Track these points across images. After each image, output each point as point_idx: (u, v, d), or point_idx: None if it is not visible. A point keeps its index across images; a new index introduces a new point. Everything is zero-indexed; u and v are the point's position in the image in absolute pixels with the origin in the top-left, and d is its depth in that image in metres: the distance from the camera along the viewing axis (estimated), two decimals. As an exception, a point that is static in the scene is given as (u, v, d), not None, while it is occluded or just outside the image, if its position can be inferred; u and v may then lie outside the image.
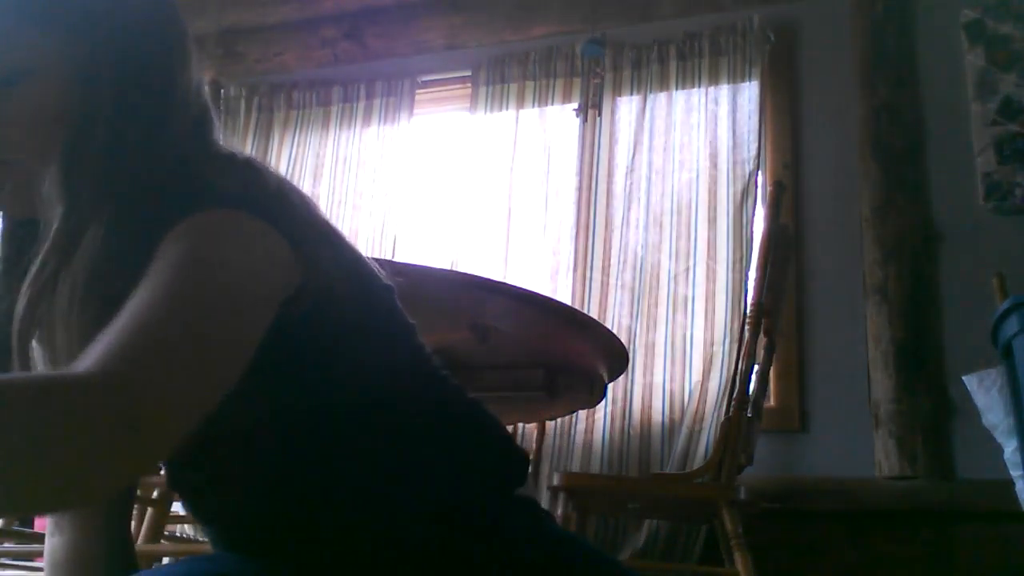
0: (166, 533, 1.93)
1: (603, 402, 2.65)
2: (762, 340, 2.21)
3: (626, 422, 2.84)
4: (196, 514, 0.89)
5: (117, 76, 0.76)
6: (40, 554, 2.48)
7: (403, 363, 0.84)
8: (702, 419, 2.75)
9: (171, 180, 0.75)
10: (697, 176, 3.04)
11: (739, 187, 2.96)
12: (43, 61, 0.75)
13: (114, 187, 0.74)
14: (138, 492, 0.96)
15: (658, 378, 2.87)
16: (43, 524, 2.89)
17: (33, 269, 0.73)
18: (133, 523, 2.57)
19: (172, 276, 0.65)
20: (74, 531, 0.90)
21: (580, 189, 3.15)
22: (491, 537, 0.80)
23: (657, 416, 2.83)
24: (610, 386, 2.38)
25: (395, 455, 0.79)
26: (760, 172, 3.01)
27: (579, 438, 2.86)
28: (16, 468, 0.51)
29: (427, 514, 0.79)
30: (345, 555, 0.78)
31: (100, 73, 0.75)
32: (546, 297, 1.73)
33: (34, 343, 0.77)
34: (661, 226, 3.02)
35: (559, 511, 2.18)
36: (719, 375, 2.78)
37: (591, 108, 3.08)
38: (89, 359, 0.57)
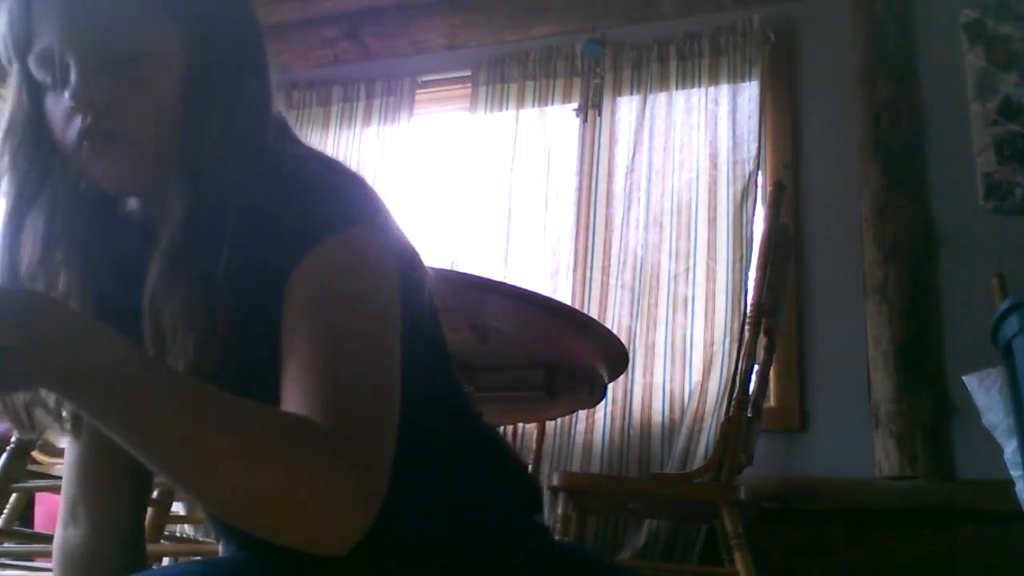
0: (166, 533, 1.93)
1: (603, 402, 2.65)
2: (762, 340, 2.21)
3: (626, 422, 2.84)
4: (221, 524, 0.90)
5: (227, 74, 0.80)
6: (40, 554, 2.47)
7: (441, 393, 0.88)
8: (702, 419, 2.75)
9: (280, 180, 0.78)
10: (697, 176, 3.04)
11: (739, 187, 2.96)
12: (167, 48, 0.78)
13: (231, 181, 0.77)
14: (153, 491, 0.96)
15: (658, 378, 2.87)
16: (42, 524, 2.89)
17: (160, 260, 0.76)
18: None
19: (362, 316, 0.73)
20: (89, 524, 0.91)
21: (580, 189, 3.15)
22: (522, 555, 0.85)
23: (657, 416, 2.83)
24: (610, 386, 2.38)
25: (431, 478, 0.82)
26: (760, 172, 3.01)
27: (579, 438, 2.86)
28: (274, 504, 0.62)
29: (460, 536, 0.82)
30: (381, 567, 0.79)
31: (213, 69, 0.79)
32: (546, 297, 1.73)
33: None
34: (661, 226, 3.02)
35: (559, 511, 2.18)
36: (719, 375, 2.78)
37: (591, 108, 3.08)
38: (316, 404, 0.67)
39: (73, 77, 0.75)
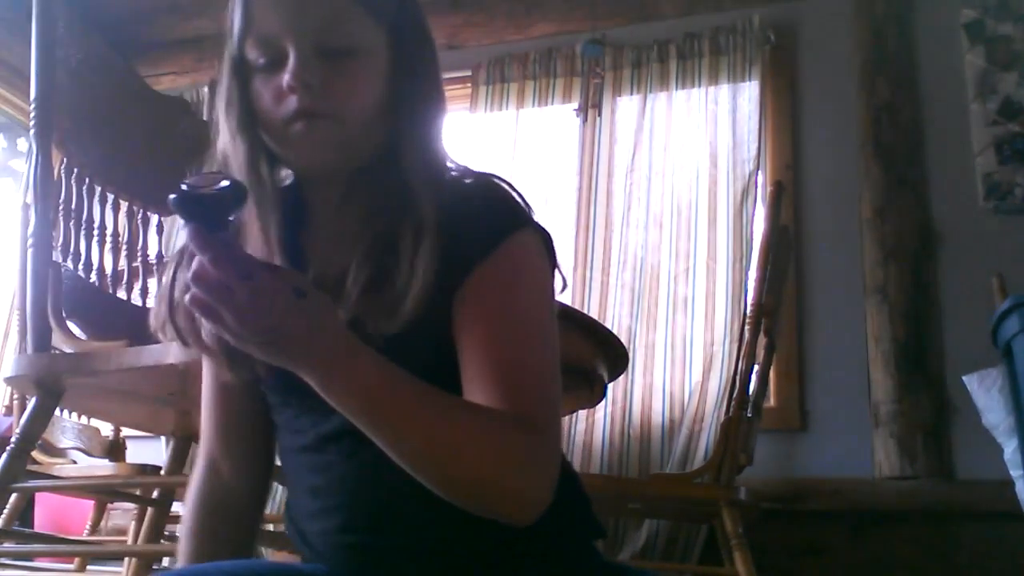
0: (166, 533, 1.93)
1: (603, 402, 2.64)
2: (762, 340, 2.21)
3: (626, 422, 2.84)
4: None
5: (422, 74, 0.91)
6: (40, 554, 2.47)
7: None
8: (702, 419, 2.75)
9: (457, 185, 0.90)
10: (697, 176, 3.04)
11: (739, 187, 2.96)
12: (375, 45, 0.88)
13: (432, 180, 0.87)
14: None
15: (658, 378, 2.87)
16: (42, 524, 2.89)
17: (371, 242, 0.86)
18: (133, 523, 2.57)
19: (538, 310, 0.88)
20: (233, 474, 1.01)
21: (580, 189, 3.15)
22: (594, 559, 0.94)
23: (657, 416, 2.83)
24: (610, 386, 2.37)
25: None
26: (760, 172, 3.00)
27: (579, 438, 2.86)
28: (486, 484, 0.78)
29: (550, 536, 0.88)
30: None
31: (411, 69, 0.90)
32: (546, 297, 1.72)
33: None
34: (661, 226, 3.02)
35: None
36: (719, 375, 2.78)
37: (591, 108, 3.08)
38: (500, 393, 0.80)
39: (292, 60, 0.84)
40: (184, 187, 0.69)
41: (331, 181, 0.92)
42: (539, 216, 0.91)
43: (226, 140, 0.90)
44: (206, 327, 0.74)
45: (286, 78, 0.84)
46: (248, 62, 0.88)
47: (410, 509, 0.86)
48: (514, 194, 0.90)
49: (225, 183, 0.70)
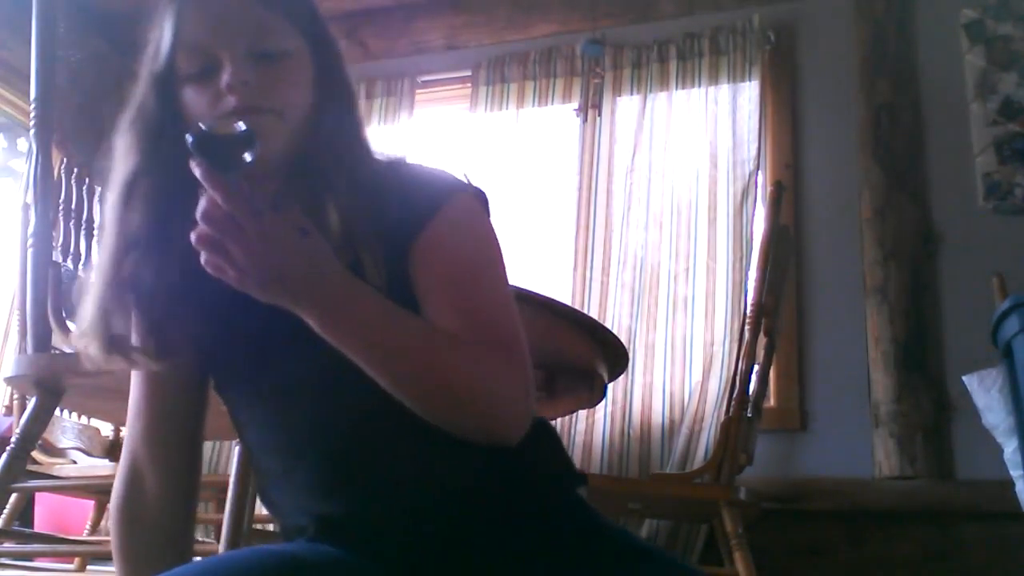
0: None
1: (603, 402, 2.64)
2: (762, 340, 2.21)
3: (626, 422, 2.84)
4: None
5: (339, 76, 0.99)
6: (40, 554, 2.47)
7: None
8: (702, 419, 2.75)
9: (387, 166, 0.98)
10: (697, 176, 3.04)
11: (739, 187, 2.96)
12: (299, 50, 0.96)
13: (359, 160, 0.96)
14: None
15: (658, 378, 2.87)
16: (42, 524, 2.89)
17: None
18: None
19: (486, 253, 0.95)
20: (157, 487, 1.00)
21: (580, 189, 3.15)
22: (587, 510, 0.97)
23: (657, 416, 2.83)
24: (610, 386, 2.37)
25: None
26: (760, 172, 3.01)
27: (579, 438, 2.86)
28: (473, 406, 0.84)
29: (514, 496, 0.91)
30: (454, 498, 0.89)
31: (330, 71, 0.98)
32: (546, 297, 1.72)
33: None
34: (661, 226, 3.02)
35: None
36: (719, 375, 2.78)
37: (591, 108, 3.08)
38: (468, 328, 0.87)
39: (229, 63, 0.90)
40: (202, 127, 0.74)
41: (273, 178, 0.95)
42: (471, 181, 1.00)
43: (118, 152, 0.96)
44: (211, 264, 0.77)
45: (225, 78, 0.90)
46: (177, 74, 0.93)
47: (380, 446, 0.89)
48: (443, 170, 0.99)
49: (241, 126, 0.76)
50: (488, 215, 0.99)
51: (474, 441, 0.86)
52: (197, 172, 0.73)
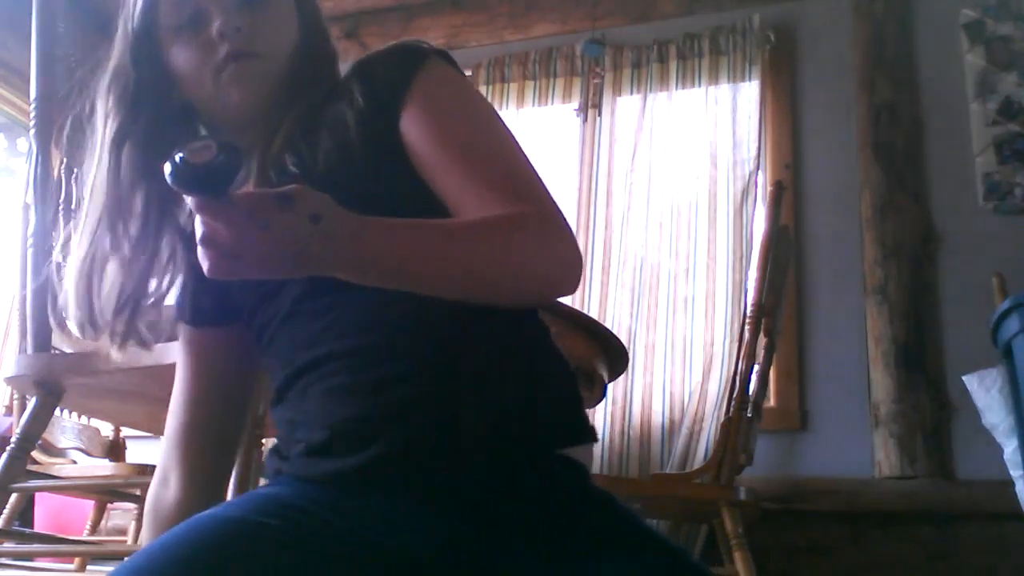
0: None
1: (603, 402, 2.65)
2: (762, 340, 2.21)
3: (626, 422, 2.84)
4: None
5: (313, 12, 1.03)
6: (40, 554, 2.47)
7: None
8: (702, 419, 2.75)
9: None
10: (697, 176, 3.04)
11: (739, 187, 2.96)
12: None
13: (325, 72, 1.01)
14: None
15: (658, 378, 2.87)
16: (43, 524, 2.89)
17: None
18: (133, 523, 2.56)
19: (479, 114, 0.94)
20: (180, 488, 1.01)
21: (580, 189, 3.15)
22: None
23: (657, 416, 2.83)
24: (610, 386, 2.38)
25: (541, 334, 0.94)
26: (760, 172, 3.00)
27: (579, 438, 2.86)
28: (519, 274, 0.85)
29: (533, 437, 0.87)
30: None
31: (312, 12, 1.02)
32: (546, 297, 1.72)
33: None
34: (661, 226, 3.02)
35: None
36: (719, 375, 2.78)
37: (591, 108, 3.08)
38: (497, 199, 0.85)
39: (218, 14, 0.92)
40: (178, 161, 0.68)
41: (262, 120, 0.97)
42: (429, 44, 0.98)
43: (98, 119, 0.97)
44: (224, 272, 0.74)
45: (216, 26, 0.92)
46: (159, 30, 0.95)
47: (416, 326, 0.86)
48: (401, 42, 0.98)
49: (215, 150, 0.69)
50: (459, 72, 0.98)
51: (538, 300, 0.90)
52: (191, 205, 0.70)
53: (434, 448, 0.82)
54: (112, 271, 0.95)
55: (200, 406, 1.02)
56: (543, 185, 0.90)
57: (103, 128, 0.96)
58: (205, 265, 0.71)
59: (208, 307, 1.01)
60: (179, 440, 1.02)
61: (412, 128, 0.90)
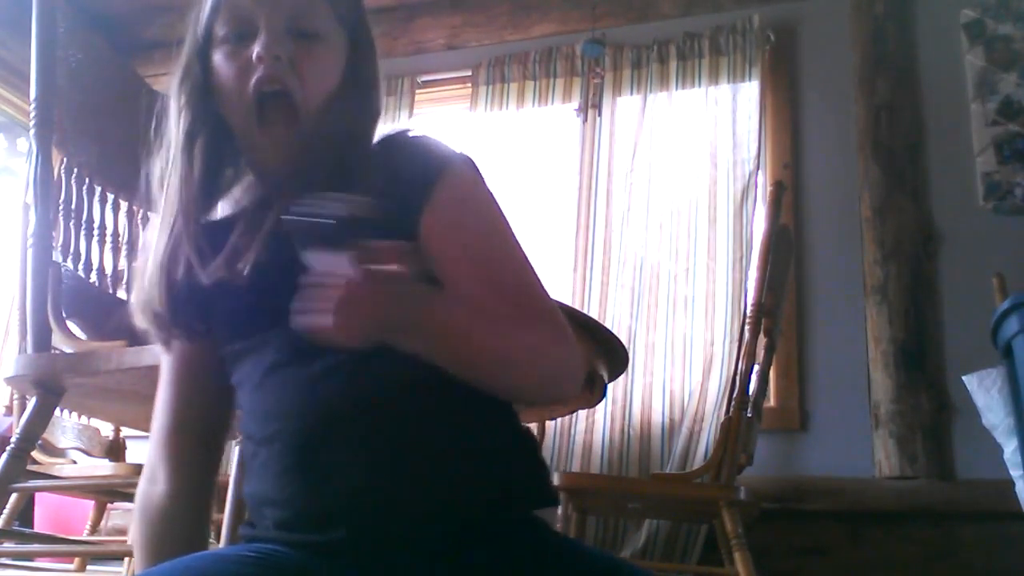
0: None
1: (603, 402, 2.64)
2: (762, 340, 2.21)
3: (626, 422, 2.84)
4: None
5: (368, 76, 1.01)
6: (40, 554, 2.47)
7: None
8: (702, 419, 2.75)
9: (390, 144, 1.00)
10: (697, 176, 3.04)
11: (739, 187, 2.96)
12: (337, 38, 0.98)
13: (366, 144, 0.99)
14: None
15: (658, 378, 2.87)
16: (42, 524, 2.89)
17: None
18: (132, 523, 2.56)
19: (493, 221, 0.96)
20: (167, 485, 1.01)
21: (580, 189, 3.15)
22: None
23: (657, 416, 2.83)
24: (610, 386, 2.37)
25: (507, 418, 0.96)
26: (760, 172, 3.01)
27: (579, 438, 2.86)
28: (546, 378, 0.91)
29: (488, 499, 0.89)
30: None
31: (361, 68, 1.00)
32: (546, 297, 1.72)
33: None
34: (661, 226, 3.02)
35: (559, 511, 2.18)
36: (719, 375, 2.78)
37: (591, 108, 3.08)
38: (507, 301, 0.90)
39: (264, 34, 0.92)
40: (305, 217, 0.74)
41: (277, 153, 0.96)
42: (460, 149, 0.99)
43: (171, 116, 0.98)
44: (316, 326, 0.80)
45: (257, 48, 0.92)
46: (213, 38, 0.95)
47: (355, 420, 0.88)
48: (433, 139, 0.99)
49: (339, 205, 0.75)
50: (484, 181, 0.99)
51: (534, 402, 0.95)
52: (310, 260, 0.76)
53: (388, 534, 0.85)
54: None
55: (185, 404, 1.03)
56: (551, 300, 0.94)
57: (176, 125, 0.98)
58: (334, 326, 0.77)
59: (196, 324, 1.00)
60: (165, 438, 1.02)
61: (431, 233, 0.92)
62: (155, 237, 0.97)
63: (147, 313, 0.96)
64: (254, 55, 0.92)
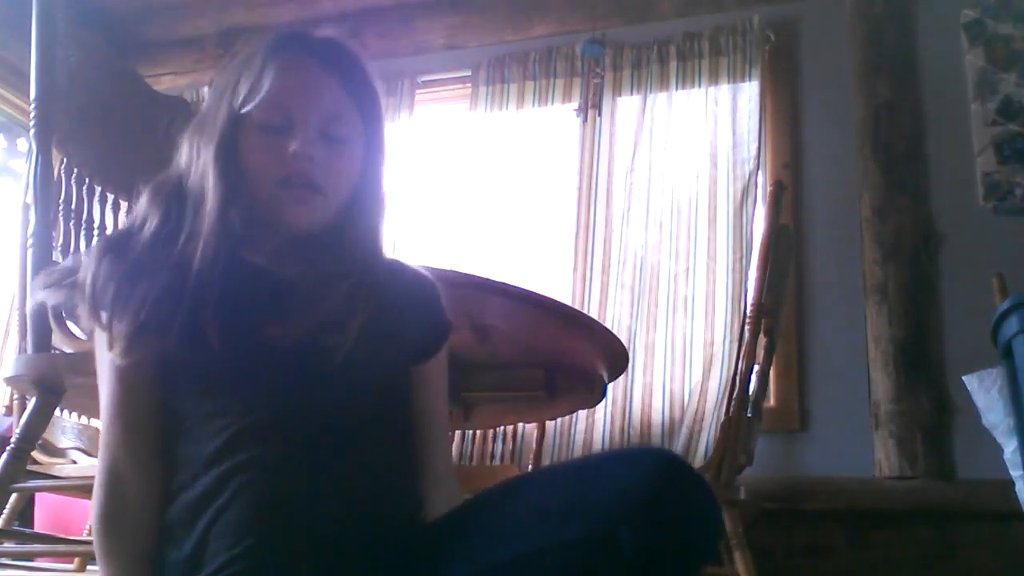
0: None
1: (603, 402, 2.64)
2: (762, 340, 2.21)
3: (626, 422, 2.84)
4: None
5: (380, 179, 1.11)
6: (40, 554, 2.47)
7: None
8: (702, 419, 2.75)
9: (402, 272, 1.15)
10: (697, 176, 3.04)
11: (739, 187, 2.96)
12: (358, 140, 1.08)
13: (377, 262, 1.10)
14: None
15: (658, 378, 2.87)
16: (42, 524, 2.89)
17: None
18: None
19: None
20: (136, 472, 1.01)
21: (580, 189, 3.15)
22: None
23: (657, 416, 2.83)
24: (610, 386, 2.37)
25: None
26: (760, 172, 3.00)
27: (579, 438, 2.86)
28: None
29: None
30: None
31: (375, 172, 1.11)
32: (546, 297, 1.72)
33: None
34: (661, 226, 3.02)
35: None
36: (719, 375, 2.77)
37: (591, 108, 3.08)
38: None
39: (303, 133, 1.02)
40: None
41: (296, 244, 1.05)
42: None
43: (195, 169, 1.05)
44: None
45: (294, 146, 1.01)
46: (249, 116, 1.03)
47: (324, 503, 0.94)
48: (441, 294, 1.14)
49: None
50: None
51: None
52: None
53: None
54: None
55: (137, 407, 1.01)
56: None
57: (200, 177, 1.05)
58: None
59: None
60: (126, 443, 1.00)
61: (431, 376, 1.12)
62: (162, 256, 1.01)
63: (126, 314, 0.98)
64: (291, 150, 1.01)
